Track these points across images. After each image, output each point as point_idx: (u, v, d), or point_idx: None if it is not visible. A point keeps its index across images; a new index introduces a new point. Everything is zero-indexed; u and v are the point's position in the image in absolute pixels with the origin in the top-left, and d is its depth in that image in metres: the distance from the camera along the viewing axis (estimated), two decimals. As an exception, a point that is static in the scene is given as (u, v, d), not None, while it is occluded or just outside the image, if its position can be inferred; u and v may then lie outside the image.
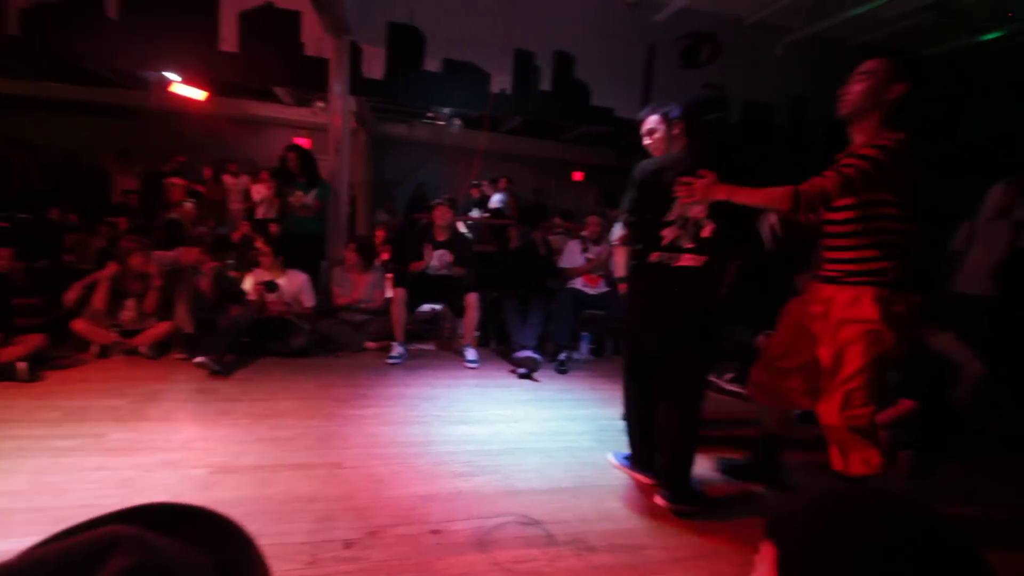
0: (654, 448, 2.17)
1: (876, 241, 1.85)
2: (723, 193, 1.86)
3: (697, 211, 2.01)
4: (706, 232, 2.01)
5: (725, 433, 2.86)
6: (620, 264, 2.24)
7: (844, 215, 1.91)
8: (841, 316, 1.90)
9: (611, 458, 2.45)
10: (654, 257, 2.08)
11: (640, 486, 2.25)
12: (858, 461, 1.93)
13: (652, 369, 2.20)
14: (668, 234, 2.05)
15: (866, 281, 1.86)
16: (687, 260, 2.03)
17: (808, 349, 2.05)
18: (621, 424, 2.43)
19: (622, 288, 2.27)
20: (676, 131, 2.19)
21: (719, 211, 1.97)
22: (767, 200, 1.85)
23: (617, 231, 2.15)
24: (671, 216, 2.04)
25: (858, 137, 1.90)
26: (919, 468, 2.56)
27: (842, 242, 1.93)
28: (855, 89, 1.86)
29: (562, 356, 3.98)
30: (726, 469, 2.45)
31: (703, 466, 2.38)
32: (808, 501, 0.54)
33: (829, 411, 1.94)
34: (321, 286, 4.65)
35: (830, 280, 1.98)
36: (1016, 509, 2.37)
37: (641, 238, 2.16)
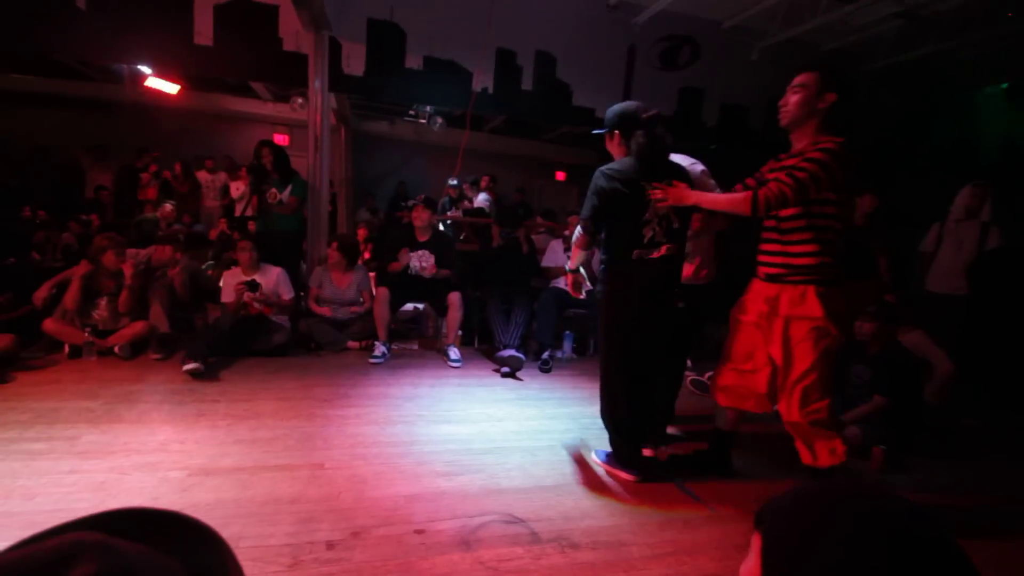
0: (658, 415, 2.42)
1: (818, 239, 1.94)
2: (692, 199, 2.12)
3: (664, 209, 2.22)
4: (675, 224, 2.27)
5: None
6: (575, 259, 2.56)
7: (789, 212, 1.98)
8: (788, 313, 1.97)
9: (594, 456, 2.48)
10: (635, 254, 2.23)
11: (623, 483, 2.28)
12: (824, 452, 2.00)
13: (637, 361, 2.30)
14: (648, 232, 2.23)
15: (810, 279, 1.94)
16: (664, 250, 2.24)
17: (763, 349, 2.10)
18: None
19: (568, 278, 2.66)
20: (615, 140, 2.38)
21: (678, 208, 2.23)
22: (730, 205, 2.05)
23: (578, 233, 2.41)
24: (647, 216, 2.22)
25: (798, 143, 2.01)
26: (891, 463, 2.64)
27: (787, 237, 2.01)
28: (792, 101, 1.97)
29: (545, 355, 4.00)
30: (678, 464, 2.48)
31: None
32: (793, 494, 0.55)
33: (790, 409, 2.01)
34: (300, 284, 4.59)
35: (774, 279, 2.04)
36: (984, 500, 2.45)
37: (608, 240, 2.33)
